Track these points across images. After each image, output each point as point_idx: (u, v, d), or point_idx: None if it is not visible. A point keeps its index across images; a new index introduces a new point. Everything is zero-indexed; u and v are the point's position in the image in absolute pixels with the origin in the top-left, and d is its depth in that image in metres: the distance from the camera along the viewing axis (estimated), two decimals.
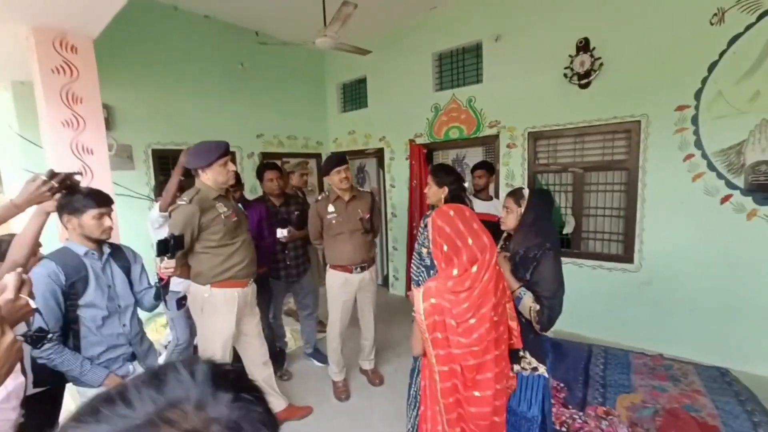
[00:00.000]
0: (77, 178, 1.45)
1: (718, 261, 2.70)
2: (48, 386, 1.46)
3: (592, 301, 3.17)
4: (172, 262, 1.60)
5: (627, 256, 3.08)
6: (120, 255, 1.56)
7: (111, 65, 3.15)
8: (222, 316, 1.95)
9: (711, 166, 2.68)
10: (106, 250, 1.50)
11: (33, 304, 0.89)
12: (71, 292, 1.36)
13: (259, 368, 2.18)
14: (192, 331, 2.61)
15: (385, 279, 4.81)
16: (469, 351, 1.12)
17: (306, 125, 4.88)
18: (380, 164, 4.71)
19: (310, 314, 2.99)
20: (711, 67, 2.62)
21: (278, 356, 2.91)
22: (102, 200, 1.42)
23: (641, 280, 3.01)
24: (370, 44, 3.60)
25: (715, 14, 2.57)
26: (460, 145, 4.04)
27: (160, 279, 1.60)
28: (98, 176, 2.18)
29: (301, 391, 2.66)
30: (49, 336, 1.25)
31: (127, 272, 1.57)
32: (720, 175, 2.65)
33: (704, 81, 2.65)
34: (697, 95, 2.68)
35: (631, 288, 3.06)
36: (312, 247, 2.92)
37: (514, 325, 1.28)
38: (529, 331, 1.41)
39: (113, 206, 1.51)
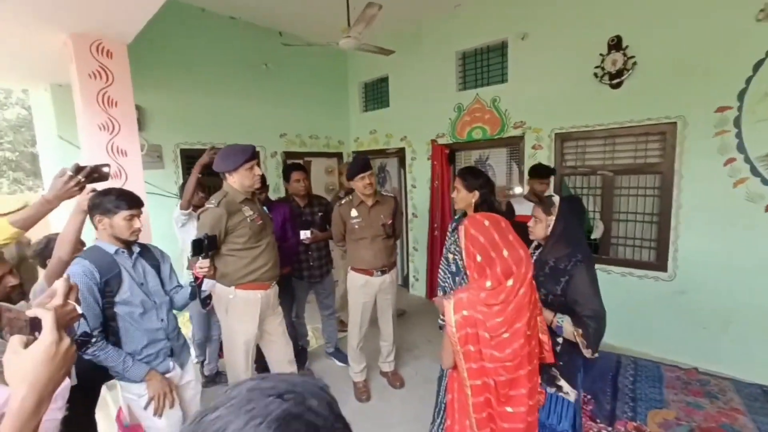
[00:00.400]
0: (105, 170, 1.45)
1: (759, 271, 2.54)
2: (88, 383, 1.52)
3: (621, 310, 3.03)
4: (206, 262, 1.63)
5: (660, 264, 2.94)
6: (149, 254, 1.59)
7: (141, 67, 3.24)
8: (245, 318, 1.99)
9: (755, 171, 2.52)
10: (136, 249, 1.54)
11: (79, 309, 0.93)
12: (106, 290, 1.39)
13: (283, 367, 2.20)
14: (209, 327, 2.69)
15: (405, 279, 4.79)
16: (502, 365, 1.09)
17: (328, 124, 4.90)
18: (401, 164, 4.69)
19: (332, 314, 3.02)
20: (756, 66, 2.46)
21: (300, 354, 2.95)
22: (134, 202, 1.45)
23: (675, 289, 2.88)
24: (392, 43, 3.58)
25: (762, 9, 2.41)
26: (484, 145, 3.96)
27: (195, 278, 1.63)
28: (132, 177, 2.26)
29: None
30: (93, 340, 1.31)
31: (158, 270, 1.60)
32: (765, 181, 2.49)
33: (749, 81, 2.49)
34: (741, 96, 2.53)
35: (663, 297, 2.93)
36: (336, 248, 2.93)
37: (545, 338, 1.23)
38: (564, 353, 1.36)
39: (143, 208, 1.54)
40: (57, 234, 1.53)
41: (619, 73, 2.94)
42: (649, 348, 2.99)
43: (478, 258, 1.13)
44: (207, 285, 2.18)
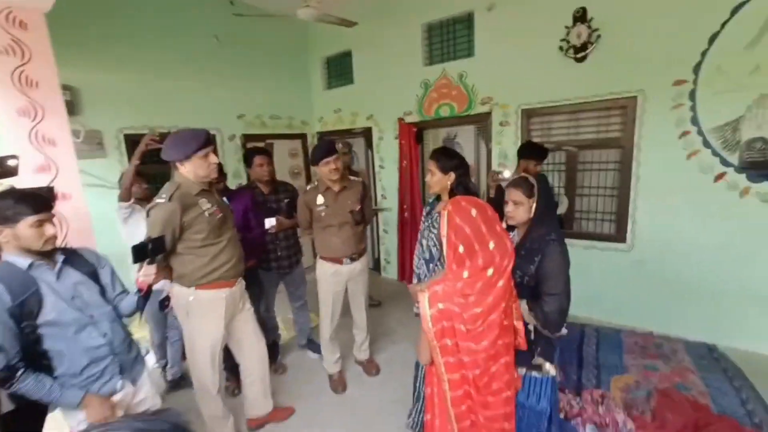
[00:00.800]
0: (11, 162, 1.25)
1: (711, 240, 2.70)
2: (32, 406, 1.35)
3: (585, 282, 3.11)
4: (152, 268, 1.42)
5: (620, 236, 3.07)
6: (79, 260, 1.35)
7: (69, 40, 2.84)
8: (209, 320, 1.84)
9: (706, 144, 2.63)
10: (59, 257, 1.29)
11: None
12: (24, 312, 1.16)
13: (256, 366, 2.11)
14: (166, 327, 2.55)
15: (377, 263, 4.76)
16: (481, 357, 1.06)
17: (290, 104, 4.64)
18: (368, 144, 4.55)
19: (303, 305, 2.92)
20: (712, 39, 2.51)
21: (272, 349, 2.85)
22: (39, 204, 1.19)
23: (633, 259, 3.02)
24: (354, 15, 3.35)
25: None
26: (452, 123, 3.90)
27: (139, 289, 1.42)
28: (64, 169, 2.00)
29: (296, 384, 2.62)
30: (18, 375, 1.14)
31: (94, 277, 1.38)
32: (715, 153, 2.61)
33: (704, 54, 2.55)
34: (696, 69, 2.59)
35: (623, 267, 3.08)
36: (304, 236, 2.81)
37: (519, 325, 1.22)
38: (540, 337, 1.36)
39: (54, 210, 1.29)
40: None
41: (584, 47, 2.92)
42: (610, 317, 3.15)
43: (461, 249, 1.06)
44: (163, 285, 2.01)
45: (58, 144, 1.99)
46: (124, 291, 1.49)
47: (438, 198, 1.91)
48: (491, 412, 1.12)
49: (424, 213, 1.98)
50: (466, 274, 1.05)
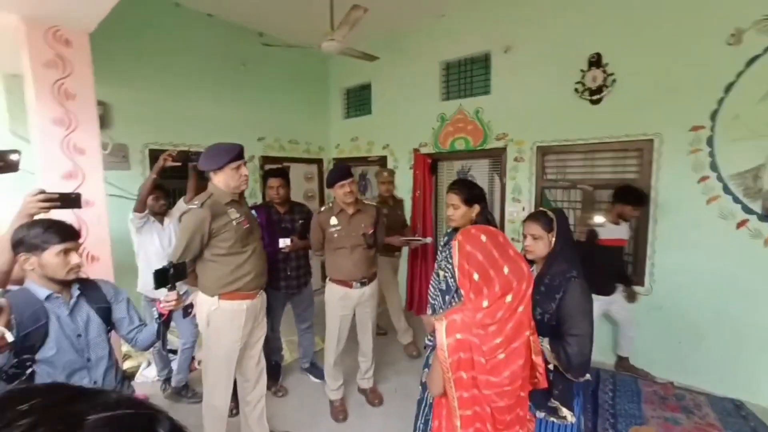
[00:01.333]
0: (12, 157, 1.27)
1: (733, 287, 2.60)
2: None
3: (601, 324, 3.04)
4: (173, 295, 1.39)
5: (637, 279, 2.98)
6: (94, 294, 1.32)
7: (107, 60, 3.03)
8: (229, 331, 1.83)
9: (727, 190, 2.60)
10: (75, 292, 1.26)
11: (10, 337, 0.78)
12: (25, 345, 1.11)
13: (252, 387, 2.04)
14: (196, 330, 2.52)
15: None
16: (501, 390, 1.00)
17: (308, 130, 4.78)
18: None
19: (309, 327, 2.87)
20: (728, 88, 2.55)
21: (273, 370, 2.78)
22: (67, 234, 1.20)
23: (652, 304, 2.91)
24: (375, 49, 3.52)
25: (733, 35, 2.51)
26: (466, 156, 3.95)
27: (161, 315, 1.38)
28: (90, 177, 2.06)
29: (296, 408, 2.52)
30: (29, 371, 1.11)
31: (106, 315, 1.33)
32: (736, 199, 2.57)
33: (720, 102, 2.58)
34: (713, 116, 2.61)
35: (641, 311, 2.95)
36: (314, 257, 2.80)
37: (538, 360, 1.14)
38: (559, 377, 1.29)
39: (81, 240, 1.30)
40: None
41: (599, 90, 2.99)
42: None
43: (475, 276, 1.02)
44: (185, 288, 2.02)
45: (87, 153, 2.06)
46: (142, 323, 1.45)
47: (456, 230, 1.89)
48: None
49: (441, 244, 1.96)
50: (485, 303, 1.01)
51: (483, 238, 1.05)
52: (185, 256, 1.72)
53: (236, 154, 1.77)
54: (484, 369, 1.00)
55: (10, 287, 1.29)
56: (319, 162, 4.95)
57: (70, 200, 1.38)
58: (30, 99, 1.95)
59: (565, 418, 1.31)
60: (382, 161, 4.54)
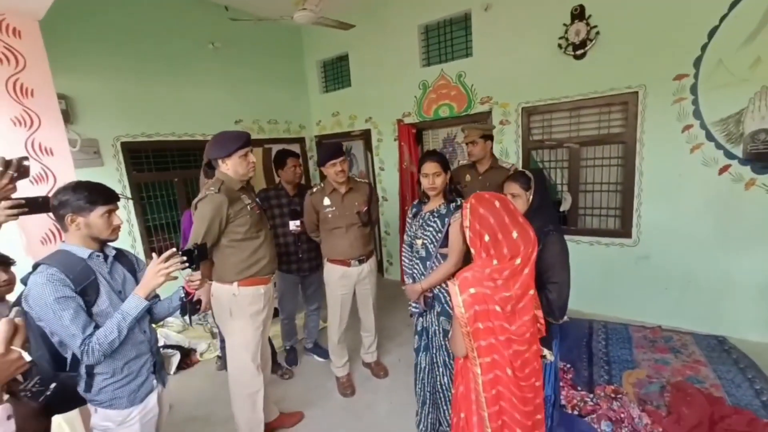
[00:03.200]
0: (26, 163, 1.28)
1: (715, 232, 2.70)
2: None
3: (591, 277, 3.16)
4: (197, 275, 1.45)
5: (625, 231, 3.06)
6: (125, 259, 1.40)
7: (63, 49, 2.82)
8: (253, 316, 1.85)
9: (710, 136, 2.63)
10: (112, 251, 1.34)
11: (27, 357, 0.77)
12: (84, 300, 1.18)
13: (264, 370, 2.07)
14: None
15: (380, 264, 4.72)
16: (512, 337, 1.10)
17: (287, 108, 4.60)
18: (368, 146, 4.52)
19: (317, 309, 2.92)
20: (711, 34, 2.52)
21: (290, 354, 2.89)
22: (110, 196, 1.27)
23: (639, 254, 3.01)
24: (350, 17, 3.34)
25: None
26: (451, 123, 3.88)
27: (187, 293, 1.44)
28: (61, 179, 1.95)
29: (303, 389, 2.58)
30: (52, 386, 1.13)
31: (135, 276, 1.41)
32: (719, 145, 2.61)
33: (704, 48, 2.56)
34: (697, 63, 2.60)
35: (628, 262, 3.07)
36: None
37: (539, 314, 1.23)
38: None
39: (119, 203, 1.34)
40: None
41: (583, 44, 2.93)
42: (617, 312, 3.15)
43: (486, 237, 1.10)
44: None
45: (56, 153, 1.94)
46: (156, 295, 1.47)
47: (421, 201, 1.94)
48: (524, 408, 1.13)
49: (409, 216, 2.00)
50: (495, 262, 1.09)
51: (497, 203, 1.13)
52: (206, 242, 1.70)
53: (244, 141, 1.78)
54: (500, 316, 1.08)
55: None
56: (301, 141, 4.82)
57: (38, 204, 1.35)
58: None
59: (545, 357, 1.42)
60: (366, 135, 4.44)
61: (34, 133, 1.87)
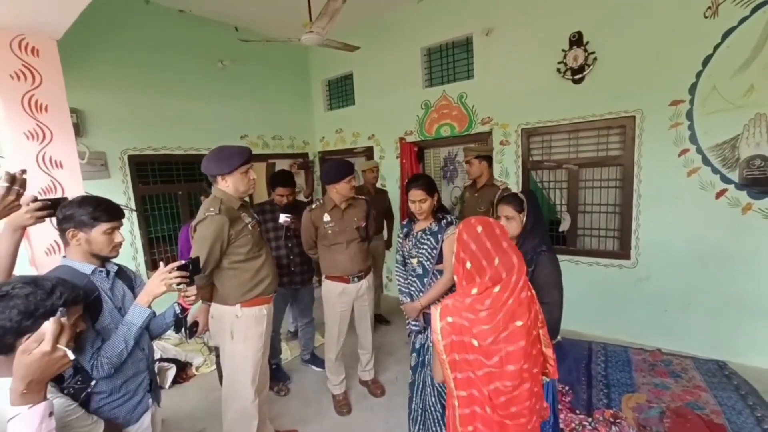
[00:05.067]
0: (24, 177, 1.29)
1: (714, 255, 2.71)
2: None
3: (589, 298, 3.16)
4: (193, 290, 1.42)
5: (624, 253, 3.07)
6: (124, 274, 1.40)
7: (78, 65, 2.92)
8: (254, 338, 1.81)
9: (706, 161, 2.67)
10: (113, 267, 1.34)
11: (71, 355, 0.83)
12: (87, 316, 1.17)
13: (262, 387, 2.05)
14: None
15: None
16: (490, 372, 1.04)
17: (291, 124, 4.70)
18: None
19: (309, 322, 2.92)
20: (705, 61, 2.60)
21: (276, 373, 2.82)
22: (114, 213, 1.26)
23: (638, 275, 3.01)
24: (355, 39, 3.46)
25: (709, 7, 2.54)
26: (453, 142, 3.95)
27: (183, 309, 1.42)
28: (70, 192, 1.99)
29: (299, 405, 2.55)
30: (93, 383, 1.17)
31: (133, 293, 1.40)
32: (715, 170, 2.65)
33: (699, 75, 2.63)
34: (692, 90, 2.66)
35: (627, 284, 3.06)
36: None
37: (549, 352, 1.18)
38: None
39: (123, 219, 1.35)
40: None
41: (581, 69, 3.01)
42: (616, 333, 3.13)
43: (468, 265, 1.07)
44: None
45: (66, 166, 1.99)
46: (152, 312, 1.46)
47: (411, 220, 2.01)
48: None
49: (400, 235, 2.04)
50: (475, 290, 1.06)
51: (479, 229, 1.09)
52: (206, 268, 1.67)
53: (247, 157, 1.72)
54: (477, 350, 1.04)
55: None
56: (304, 156, 4.89)
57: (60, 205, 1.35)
58: None
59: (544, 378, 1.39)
60: (368, 152, 4.51)
61: (45, 146, 1.93)
